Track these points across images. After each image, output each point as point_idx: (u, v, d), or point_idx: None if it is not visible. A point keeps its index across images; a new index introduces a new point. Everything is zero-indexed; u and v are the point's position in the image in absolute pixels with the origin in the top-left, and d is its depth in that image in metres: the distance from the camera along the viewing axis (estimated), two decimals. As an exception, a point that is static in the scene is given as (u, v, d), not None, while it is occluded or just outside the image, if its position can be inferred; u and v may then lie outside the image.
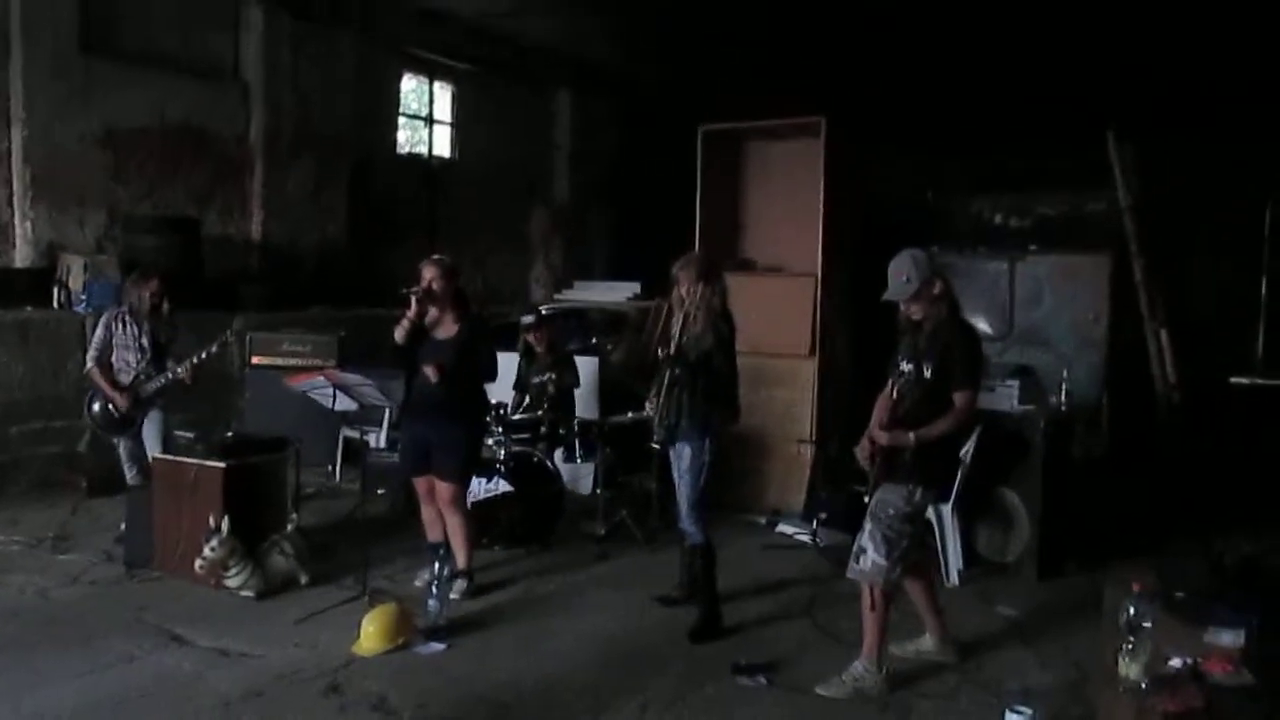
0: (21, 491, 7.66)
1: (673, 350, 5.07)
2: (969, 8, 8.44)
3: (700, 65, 12.61)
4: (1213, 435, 7.72)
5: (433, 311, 5.67)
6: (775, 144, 8.20)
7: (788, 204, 7.97)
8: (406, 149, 12.18)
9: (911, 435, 4.36)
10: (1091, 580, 6.00)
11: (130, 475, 6.69)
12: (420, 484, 5.76)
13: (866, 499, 4.66)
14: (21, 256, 8.49)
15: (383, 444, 8.22)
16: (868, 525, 4.48)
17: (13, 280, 8.24)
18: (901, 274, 4.49)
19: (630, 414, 7.14)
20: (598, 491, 6.85)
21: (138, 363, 6.56)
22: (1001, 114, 9.24)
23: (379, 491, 7.56)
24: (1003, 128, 9.17)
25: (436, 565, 5.23)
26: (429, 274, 5.63)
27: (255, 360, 8.86)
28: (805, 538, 6.75)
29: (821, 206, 7.51)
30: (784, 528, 7.01)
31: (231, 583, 5.49)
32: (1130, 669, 3.55)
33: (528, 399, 7.46)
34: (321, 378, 5.18)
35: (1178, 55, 8.45)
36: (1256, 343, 8.96)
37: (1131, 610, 3.58)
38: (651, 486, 6.90)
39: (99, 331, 6.62)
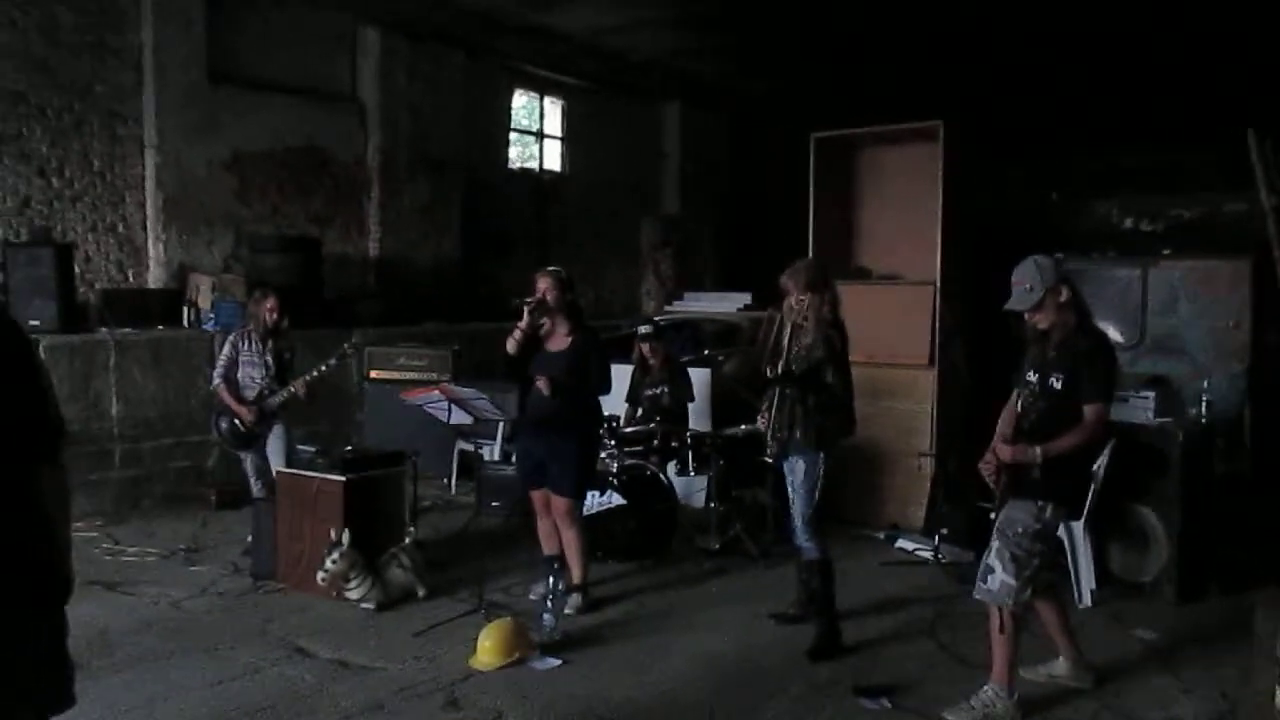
0: (155, 504, 7.97)
1: (782, 362, 4.97)
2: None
3: (809, 74, 12.50)
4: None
5: (546, 323, 5.67)
6: (890, 150, 8.02)
7: (903, 211, 7.78)
8: (518, 164, 12.33)
9: (1038, 450, 4.17)
10: (1235, 604, 5.67)
11: (255, 489, 6.89)
12: (536, 497, 5.77)
13: (992, 515, 4.49)
14: (154, 278, 8.85)
15: (497, 457, 8.32)
16: (995, 543, 4.30)
17: (146, 301, 8.59)
18: (1024, 282, 4.30)
19: (744, 426, 7.04)
20: (711, 505, 6.77)
21: (262, 379, 6.75)
22: (1129, 111, 8.87)
23: (494, 504, 7.63)
24: (1131, 126, 8.79)
25: (551, 579, 5.22)
26: (542, 284, 5.64)
27: (372, 374, 9.05)
28: (926, 554, 6.55)
29: (940, 213, 7.30)
30: (903, 543, 6.81)
31: (352, 595, 5.58)
32: (1288, 702, 3.32)
33: (640, 411, 7.43)
34: (437, 392, 5.23)
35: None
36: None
37: (1289, 640, 3.35)
38: (766, 500, 6.80)
39: (225, 349, 6.84)
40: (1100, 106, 9.10)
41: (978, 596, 4.36)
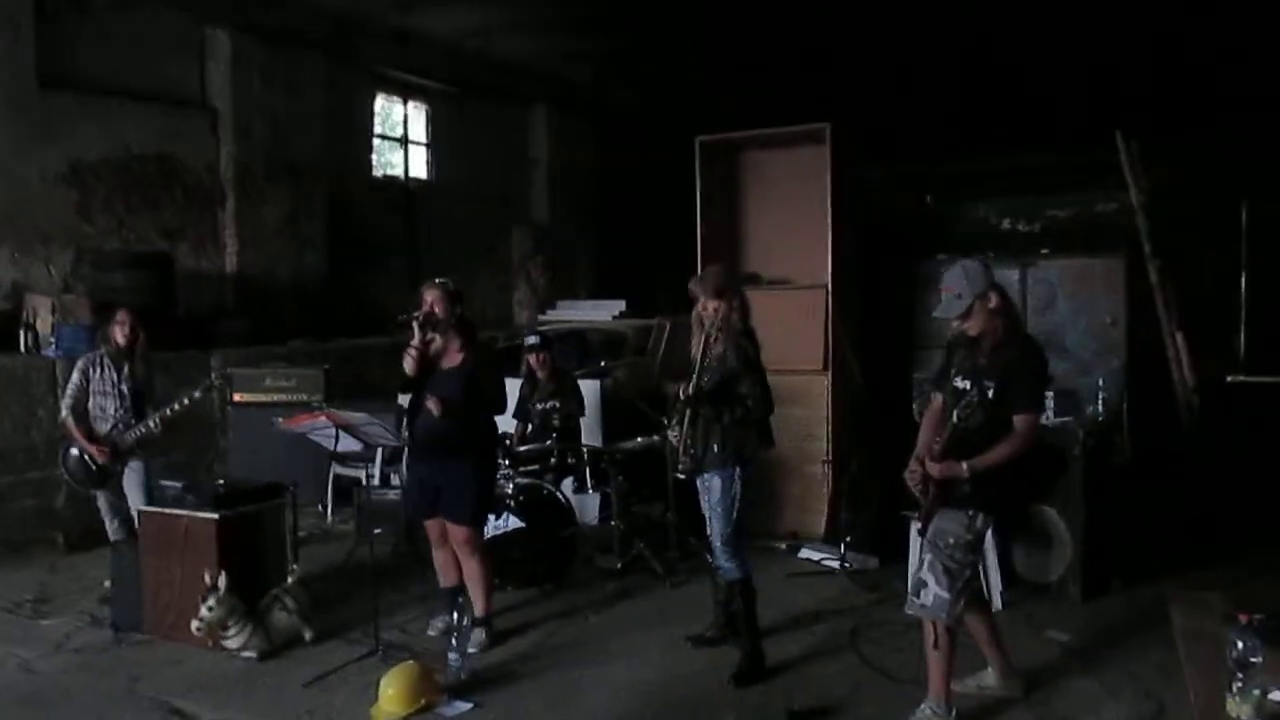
0: (-6, 550, 7.19)
1: (694, 374, 4.73)
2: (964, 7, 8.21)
3: (680, 80, 12.38)
4: (1223, 437, 7.50)
5: (435, 339, 5.30)
6: (775, 153, 7.88)
7: (790, 215, 7.66)
8: (381, 172, 11.79)
9: (964, 466, 4.03)
10: (1138, 598, 5.75)
11: (112, 529, 6.27)
12: (431, 527, 5.38)
13: (916, 526, 4.35)
14: (-16, 300, 8.04)
15: (377, 481, 7.85)
16: (926, 556, 4.16)
17: (-25, 325, 7.79)
18: (953, 288, 4.17)
19: (639, 439, 6.79)
20: (612, 524, 6.48)
21: (116, 410, 6.14)
22: (1002, 115, 9.02)
23: (376, 531, 7.08)
24: (1004, 129, 8.93)
25: (455, 614, 4.85)
26: (430, 297, 5.25)
27: (237, 398, 8.42)
28: (833, 563, 6.42)
29: (829, 215, 7.21)
30: (808, 553, 6.67)
31: (231, 644, 5.08)
32: (1241, 710, 3.24)
33: (530, 427, 7.09)
34: (323, 418, 4.78)
35: (1180, 52, 8.29)
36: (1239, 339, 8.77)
37: (1240, 645, 3.27)
38: (668, 516, 6.57)
39: (74, 377, 6.19)
40: (976, 110, 9.24)
41: (910, 612, 4.21)
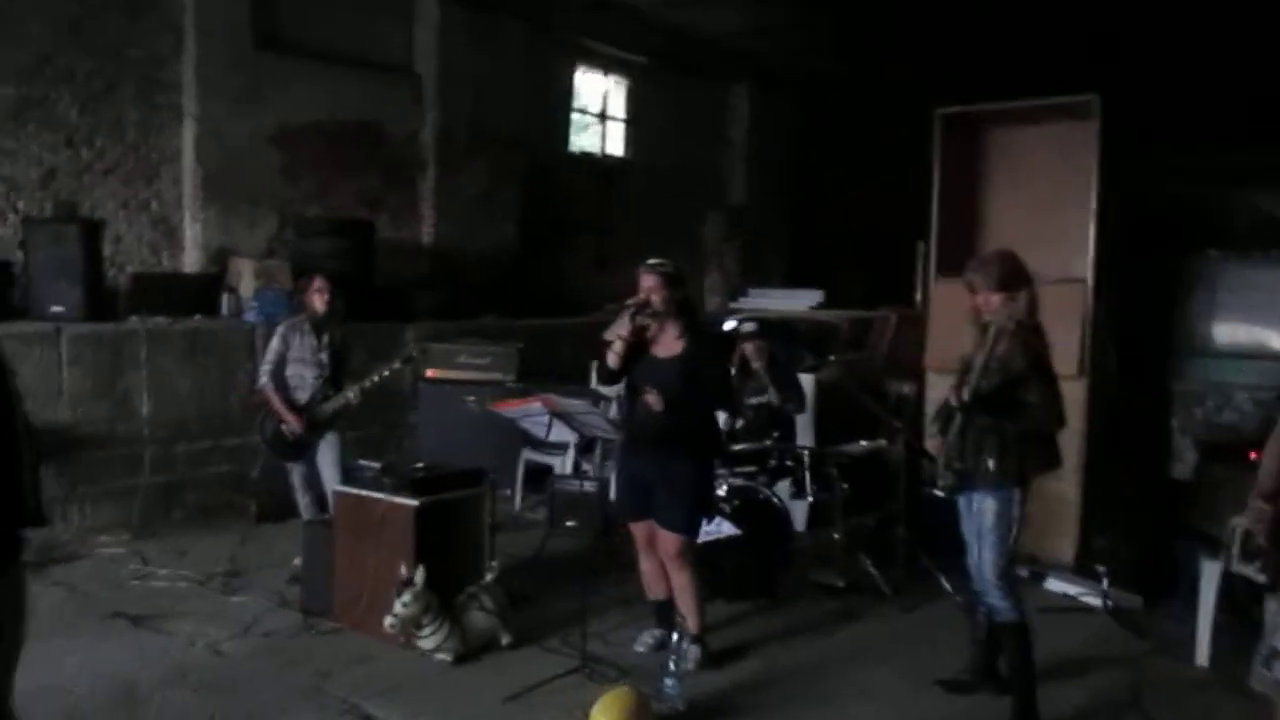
0: (187, 516, 7.02)
1: (971, 374, 3.95)
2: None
3: (892, 55, 11.45)
4: None
5: (651, 327, 4.68)
6: (1025, 130, 6.96)
7: (1043, 199, 6.73)
8: (579, 148, 11.33)
9: None
10: None
11: (304, 505, 5.95)
12: (639, 531, 4.77)
13: (1262, 579, 3.47)
14: (190, 261, 7.91)
15: (569, 470, 7.36)
16: (1291, 620, 3.28)
17: (182, 286, 7.65)
18: None
19: (864, 442, 6.03)
20: (835, 536, 5.73)
21: (315, 378, 5.80)
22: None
23: (568, 523, 6.63)
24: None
25: (675, 638, 4.22)
26: (648, 283, 4.63)
27: (429, 374, 8.05)
28: (1094, 600, 5.50)
29: (1094, 201, 6.26)
30: (1058, 584, 5.76)
31: (425, 644, 4.60)
32: None
33: (740, 422, 6.40)
34: (538, 404, 4.25)
35: None
36: None
37: None
38: (899, 531, 5.79)
39: (274, 343, 5.87)
40: (1254, 92, 7.95)
41: (1258, 686, 3.34)
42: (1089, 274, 6.33)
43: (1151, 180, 7.10)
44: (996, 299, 4.05)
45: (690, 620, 4.60)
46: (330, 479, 5.64)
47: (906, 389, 6.68)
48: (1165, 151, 7.28)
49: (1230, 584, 4.81)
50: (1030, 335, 4.02)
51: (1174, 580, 5.57)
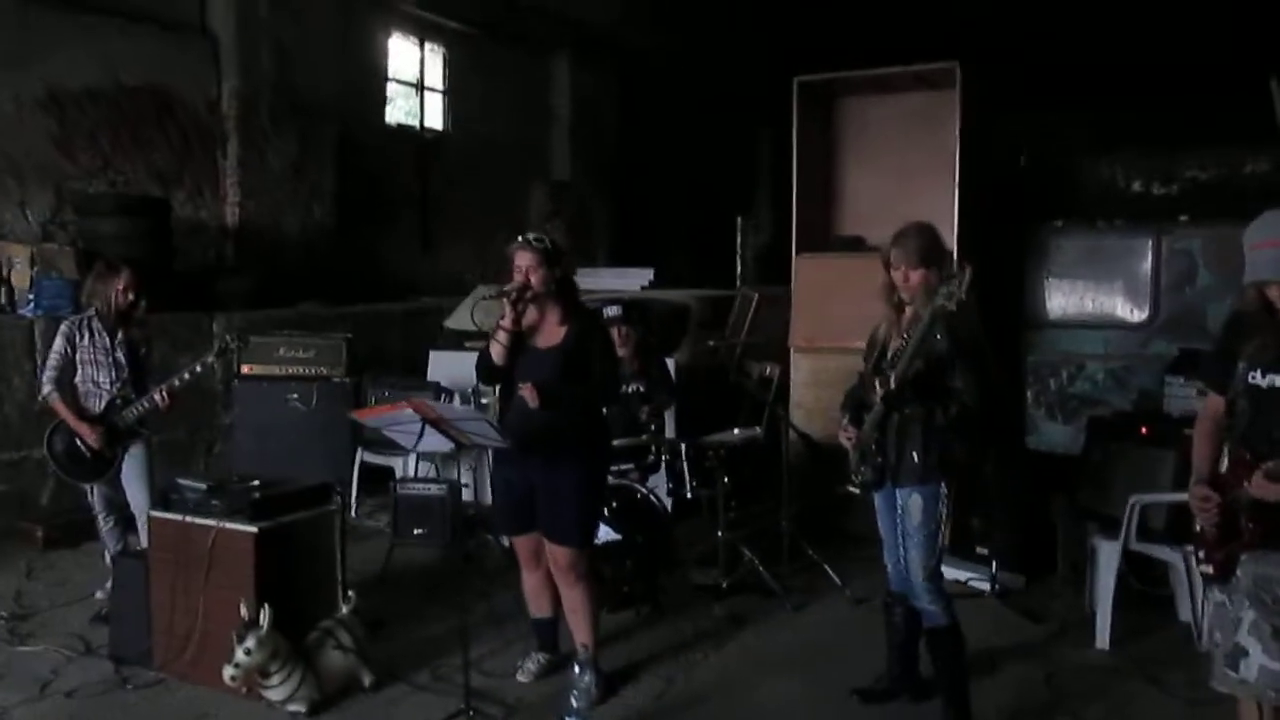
0: (-43, 546, 5.92)
1: (901, 363, 3.57)
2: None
3: (719, 23, 11.17)
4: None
5: (531, 311, 4.09)
6: (881, 99, 6.74)
7: (900, 170, 6.54)
8: (395, 120, 10.47)
9: None
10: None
11: (105, 530, 5.05)
12: (521, 545, 4.21)
13: (1204, 570, 3.25)
14: (-52, 247, 6.71)
15: (413, 472, 6.67)
16: (1247, 615, 3.05)
17: (-62, 278, 6.47)
18: (1274, 241, 3.01)
19: (737, 431, 5.63)
20: (718, 534, 5.31)
21: (110, 383, 4.90)
22: (1132, 61, 7.84)
23: (415, 532, 5.95)
24: (1134, 77, 7.77)
25: (576, 670, 3.67)
26: (523, 261, 4.03)
27: (245, 370, 7.11)
28: (982, 584, 5.30)
29: (956, 172, 6.08)
30: (946, 570, 5.51)
31: (274, 694, 3.88)
32: None
33: (645, 414, 5.85)
34: (408, 409, 3.59)
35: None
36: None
37: None
38: (783, 524, 5.44)
39: (57, 343, 4.93)
40: (1100, 55, 8.05)
41: (1223, 688, 3.10)
42: (954, 246, 6.13)
43: (1006, 148, 7.01)
44: (916, 275, 3.69)
45: (586, 642, 4.06)
46: (139, 500, 4.81)
47: (769, 370, 6.33)
48: (1016, 118, 7.22)
49: (1126, 563, 4.72)
50: (956, 317, 3.66)
51: (1054, 557, 5.47)
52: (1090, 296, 6.94)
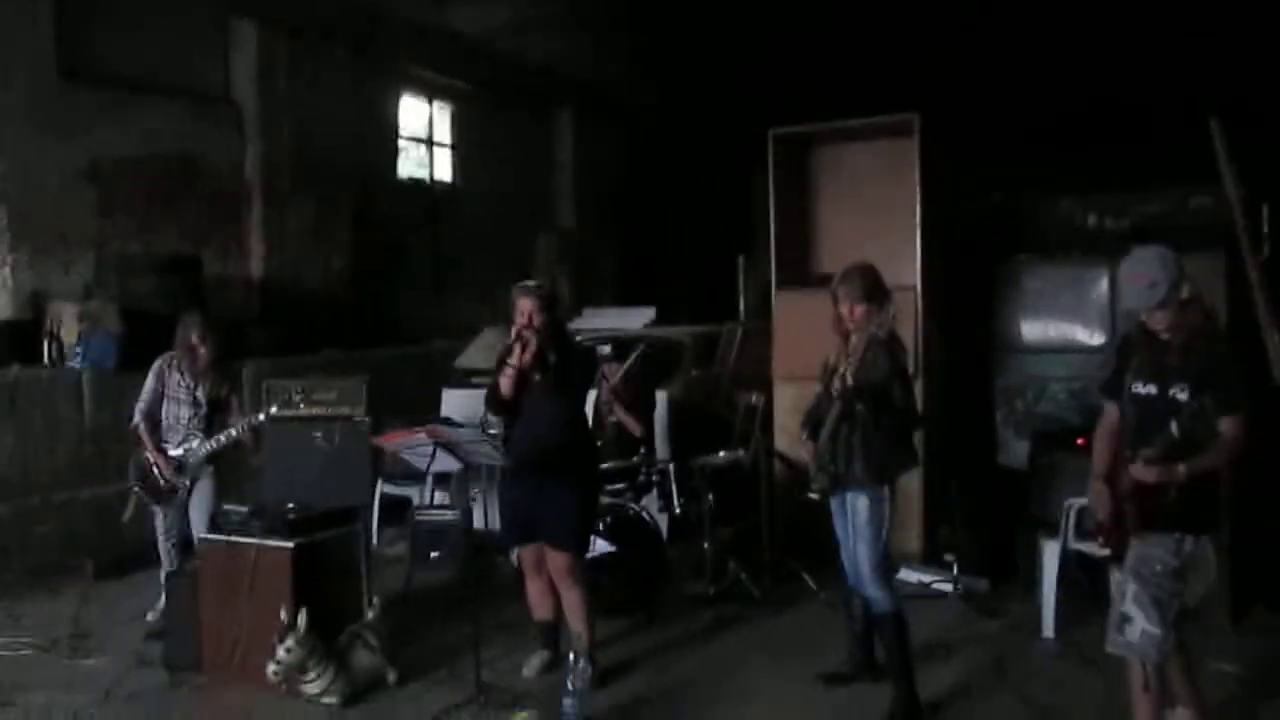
0: (17, 580, 6.52)
1: (847, 382, 4.19)
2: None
3: (711, 79, 11.90)
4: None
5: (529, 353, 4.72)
6: (851, 147, 7.39)
7: (870, 212, 7.14)
8: (407, 175, 11.22)
9: (1183, 468, 3.51)
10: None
11: (165, 551, 5.66)
12: (525, 555, 4.83)
13: (1105, 555, 3.85)
14: (2, 307, 7.40)
15: (429, 501, 7.27)
16: (1130, 587, 3.63)
17: (-5, 335, 7.17)
18: (1146, 277, 3.64)
19: (722, 453, 6.25)
20: (705, 546, 5.91)
21: (190, 419, 5.57)
22: (1084, 108, 8.55)
23: (433, 555, 6.56)
24: (1087, 122, 8.46)
25: (571, 657, 4.27)
26: (525, 306, 4.68)
27: (273, 411, 7.77)
28: (945, 585, 5.88)
29: (918, 213, 6.71)
30: (911, 574, 6.10)
31: (311, 689, 4.49)
32: None
33: (602, 441, 6.50)
34: (422, 434, 4.23)
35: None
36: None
37: None
38: (764, 536, 6.03)
39: (149, 381, 5.61)
40: (1056, 103, 8.77)
41: (1114, 651, 3.68)
42: (917, 282, 6.76)
43: (973, 191, 7.64)
44: (860, 310, 4.32)
45: (581, 631, 4.66)
46: (199, 525, 5.41)
47: (754, 399, 6.94)
48: (984, 163, 7.85)
49: (1066, 560, 5.28)
50: (893, 344, 4.31)
51: (1014, 563, 6.03)
52: (1052, 323, 7.53)
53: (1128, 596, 3.63)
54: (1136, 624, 3.60)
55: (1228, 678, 4.60)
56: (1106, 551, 3.86)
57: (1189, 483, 3.54)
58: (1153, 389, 3.70)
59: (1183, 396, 3.58)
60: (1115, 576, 3.83)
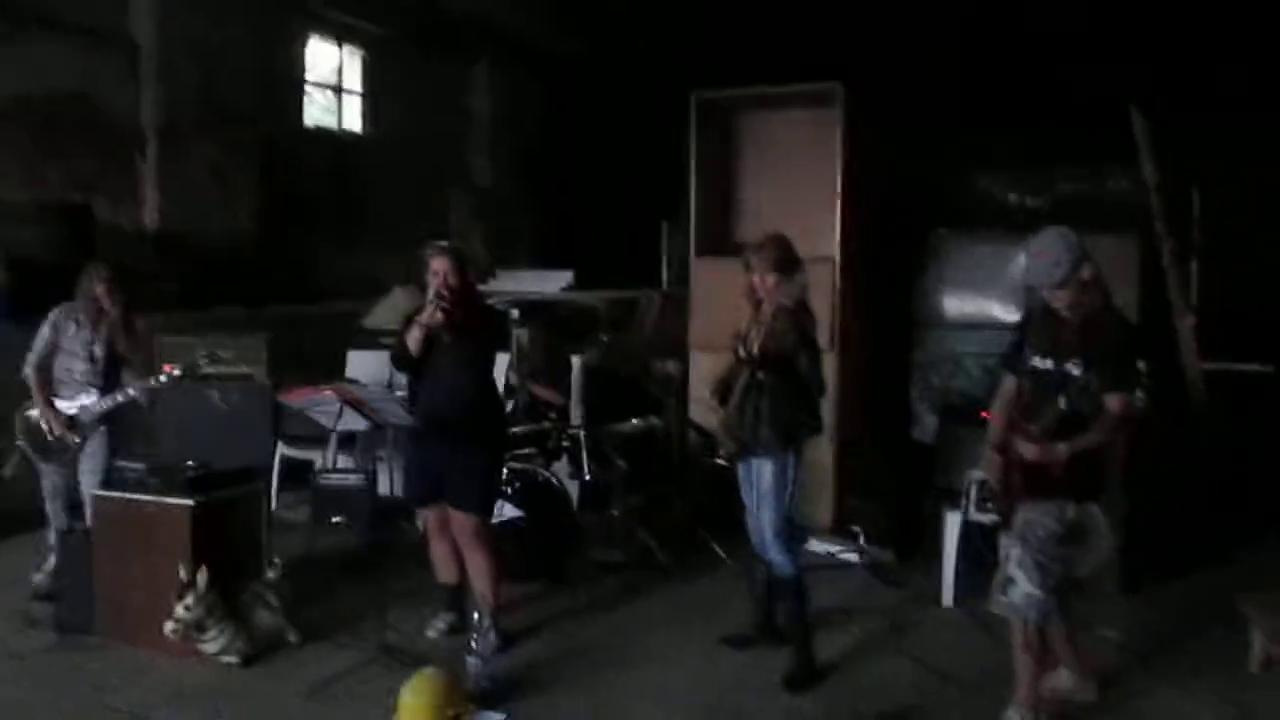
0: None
1: (753, 350, 4.51)
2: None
3: (638, 34, 12.09)
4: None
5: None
6: (775, 114, 7.69)
7: (792, 181, 7.46)
8: (314, 123, 11.23)
9: (1063, 447, 3.90)
10: (1172, 593, 5.76)
11: (53, 512, 5.73)
12: (430, 517, 5.06)
13: (998, 522, 4.24)
14: None
15: (330, 464, 7.45)
16: (1014, 551, 4.03)
17: None
18: (1048, 255, 4.02)
19: (635, 420, 6.54)
20: (614, 514, 6.21)
21: (84, 374, 5.63)
22: (1009, 84, 8.94)
23: (334, 519, 6.76)
24: (1010, 99, 8.86)
25: (476, 617, 4.54)
26: (439, 266, 4.89)
27: (168, 369, 7.84)
28: (852, 556, 6.26)
29: (839, 183, 7.04)
30: (818, 545, 6.47)
31: (209, 647, 4.69)
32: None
33: (512, 404, 6.75)
34: (329, 393, 4.40)
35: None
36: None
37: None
38: (676, 504, 6.35)
39: (44, 330, 5.63)
40: (981, 77, 9.16)
41: (996, 611, 4.08)
42: (836, 253, 7.10)
43: (895, 164, 8.00)
44: (771, 279, 4.62)
45: (485, 593, 4.92)
46: (90, 485, 5.48)
47: (671, 367, 7.24)
48: (907, 137, 8.21)
49: (967, 531, 5.69)
50: (802, 313, 4.63)
51: (921, 535, 6.44)
52: (969, 298, 7.95)
53: (1012, 559, 4.02)
54: (1019, 586, 3.99)
55: (1110, 643, 5.03)
56: (996, 518, 4.25)
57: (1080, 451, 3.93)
58: (1049, 363, 4.08)
59: (1076, 372, 3.96)
60: (1004, 541, 4.23)
